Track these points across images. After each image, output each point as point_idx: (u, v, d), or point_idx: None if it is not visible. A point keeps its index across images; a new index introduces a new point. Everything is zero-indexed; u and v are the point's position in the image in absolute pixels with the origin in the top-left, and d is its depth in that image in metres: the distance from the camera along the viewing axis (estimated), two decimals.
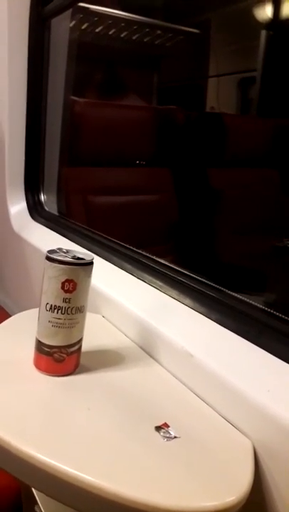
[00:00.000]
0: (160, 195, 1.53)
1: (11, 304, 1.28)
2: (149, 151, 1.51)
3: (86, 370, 0.56)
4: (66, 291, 0.52)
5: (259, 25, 1.66)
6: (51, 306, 0.52)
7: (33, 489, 0.67)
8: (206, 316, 0.62)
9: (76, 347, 0.55)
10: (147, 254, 0.83)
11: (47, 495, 0.46)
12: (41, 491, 0.49)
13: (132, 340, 0.66)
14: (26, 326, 0.58)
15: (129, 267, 0.81)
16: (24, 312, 0.70)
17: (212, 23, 1.82)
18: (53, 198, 1.25)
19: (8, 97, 1.15)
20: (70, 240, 1.00)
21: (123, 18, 1.80)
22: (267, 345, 0.53)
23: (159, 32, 1.92)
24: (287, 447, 0.43)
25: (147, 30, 1.90)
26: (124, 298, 0.71)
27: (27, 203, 1.22)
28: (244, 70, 1.80)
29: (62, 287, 0.52)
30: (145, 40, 1.92)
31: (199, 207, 1.54)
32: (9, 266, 1.26)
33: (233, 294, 0.65)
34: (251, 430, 0.47)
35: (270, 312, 0.59)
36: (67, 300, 0.52)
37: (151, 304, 0.70)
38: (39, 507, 0.66)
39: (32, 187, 1.22)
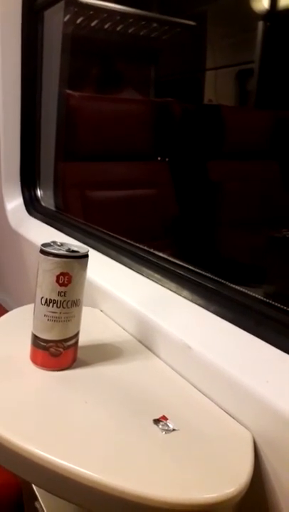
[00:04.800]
0: (158, 189, 1.52)
1: (9, 300, 1.27)
2: (146, 144, 1.50)
3: (84, 364, 0.56)
4: (61, 285, 0.51)
5: (256, 16, 1.64)
6: (46, 299, 0.52)
7: (33, 485, 0.66)
8: (204, 308, 0.62)
9: (73, 341, 0.54)
10: (145, 248, 0.82)
11: (46, 490, 0.46)
12: (40, 487, 0.49)
13: (131, 334, 0.66)
14: (23, 322, 0.58)
15: (127, 260, 0.81)
16: (21, 307, 0.69)
17: (208, 14, 1.80)
18: (50, 193, 1.24)
19: (2, 91, 1.14)
20: (68, 234, 1.00)
21: (118, 12, 1.79)
22: (265, 336, 0.53)
23: (155, 25, 1.90)
24: (286, 438, 0.43)
25: (143, 23, 1.88)
26: (123, 292, 0.71)
27: (23, 198, 1.21)
28: (242, 62, 1.78)
29: (57, 280, 0.51)
30: (141, 33, 1.90)
31: (198, 200, 1.53)
32: (7, 262, 1.25)
33: (231, 285, 0.64)
34: (251, 421, 0.47)
35: (268, 303, 0.59)
36: (62, 293, 0.51)
37: (150, 297, 0.69)
38: (39, 503, 0.65)
39: (28, 182, 1.21)
